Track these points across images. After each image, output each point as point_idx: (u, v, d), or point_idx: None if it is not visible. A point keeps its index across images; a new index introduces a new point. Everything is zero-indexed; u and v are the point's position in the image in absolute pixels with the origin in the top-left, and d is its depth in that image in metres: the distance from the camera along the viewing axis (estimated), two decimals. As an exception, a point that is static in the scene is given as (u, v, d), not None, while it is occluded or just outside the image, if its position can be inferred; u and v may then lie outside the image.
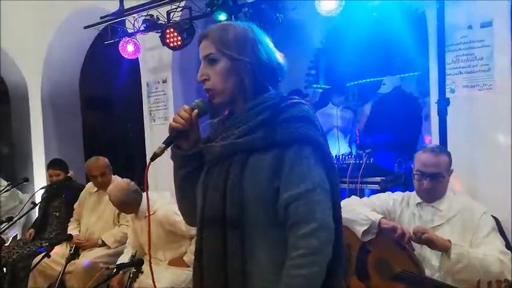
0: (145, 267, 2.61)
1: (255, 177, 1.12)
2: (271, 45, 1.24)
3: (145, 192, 1.31)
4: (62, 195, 3.68)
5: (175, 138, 1.23)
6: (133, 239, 2.99)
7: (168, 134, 1.24)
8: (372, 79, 4.89)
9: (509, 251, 1.82)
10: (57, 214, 3.71)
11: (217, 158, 1.19)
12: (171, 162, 1.30)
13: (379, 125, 4.04)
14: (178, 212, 1.35)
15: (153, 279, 1.32)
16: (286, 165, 1.11)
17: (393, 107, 4.10)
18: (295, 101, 1.19)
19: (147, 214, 2.72)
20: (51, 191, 3.72)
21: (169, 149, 1.25)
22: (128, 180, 2.90)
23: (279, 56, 1.24)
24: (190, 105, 1.25)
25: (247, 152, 1.14)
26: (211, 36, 1.20)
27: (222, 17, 3.25)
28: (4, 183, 4.22)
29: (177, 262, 2.83)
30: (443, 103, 2.54)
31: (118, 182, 2.92)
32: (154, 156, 1.18)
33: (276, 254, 1.11)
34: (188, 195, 1.28)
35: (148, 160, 1.22)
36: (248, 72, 1.17)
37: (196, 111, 1.23)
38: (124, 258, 2.92)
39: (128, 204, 2.81)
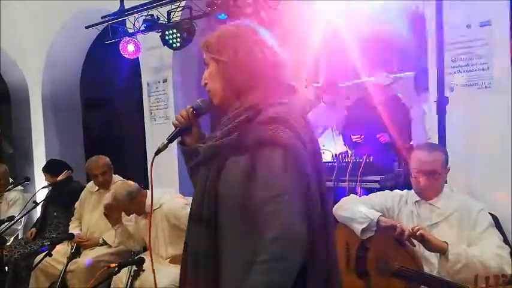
0: (146, 266, 2.63)
1: (230, 179, 1.14)
2: (261, 42, 1.21)
3: (148, 191, 1.36)
4: (60, 198, 3.70)
5: (177, 135, 1.33)
6: (135, 237, 3.01)
7: (168, 132, 1.34)
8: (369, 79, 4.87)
9: (507, 246, 1.83)
10: (56, 214, 3.74)
11: (202, 159, 1.23)
12: (173, 160, 1.35)
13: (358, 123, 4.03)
14: (185, 207, 1.38)
15: (153, 272, 1.33)
16: (258, 169, 1.10)
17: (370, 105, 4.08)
18: (276, 101, 1.17)
19: (153, 209, 2.78)
20: (52, 191, 3.75)
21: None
22: (131, 183, 2.87)
23: (272, 53, 1.21)
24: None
25: (226, 154, 1.16)
26: (203, 42, 1.27)
27: (223, 16, 3.27)
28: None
29: (178, 259, 2.84)
30: (443, 102, 2.55)
31: (120, 186, 2.87)
32: (158, 151, 1.29)
33: (248, 255, 1.11)
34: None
35: (149, 159, 1.28)
36: (228, 72, 1.20)
37: (191, 110, 1.32)
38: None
39: (134, 206, 2.81)
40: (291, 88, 1.25)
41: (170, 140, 1.31)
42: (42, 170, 3.90)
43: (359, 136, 3.82)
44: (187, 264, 1.24)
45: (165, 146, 1.29)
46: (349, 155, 3.11)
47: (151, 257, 1.31)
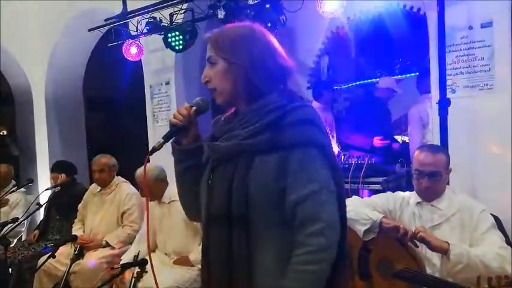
0: (149, 267, 2.64)
1: (260, 178, 1.15)
2: (273, 46, 1.24)
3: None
4: (65, 198, 3.72)
5: (174, 134, 1.28)
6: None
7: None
8: (369, 80, 4.89)
9: (509, 247, 1.84)
10: (59, 216, 3.75)
11: (222, 157, 1.22)
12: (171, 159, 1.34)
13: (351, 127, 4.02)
14: None
15: (153, 271, 1.32)
16: (292, 167, 1.14)
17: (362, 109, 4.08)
18: (301, 104, 1.21)
19: (171, 200, 2.90)
20: (54, 193, 3.76)
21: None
22: (159, 165, 2.96)
23: (282, 58, 1.24)
24: (191, 103, 1.29)
25: (253, 153, 1.16)
26: (211, 39, 1.25)
27: (222, 13, 3.27)
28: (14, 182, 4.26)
29: (182, 261, 2.86)
30: (444, 103, 2.55)
31: (148, 165, 2.98)
32: (153, 150, 1.24)
33: (282, 252, 1.15)
34: (187, 190, 1.32)
35: (151, 161, 1.28)
36: (241, 75, 1.20)
37: (194, 108, 1.28)
38: (132, 255, 2.97)
39: (153, 189, 2.92)
40: (293, 93, 1.27)
41: (166, 139, 1.25)
42: (53, 170, 3.85)
43: (385, 141, 3.73)
44: (212, 268, 1.23)
45: (160, 145, 1.23)
46: (345, 156, 3.13)
47: (149, 256, 1.30)
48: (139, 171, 2.94)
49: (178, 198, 2.88)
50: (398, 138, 4.40)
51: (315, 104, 4.40)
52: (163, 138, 1.25)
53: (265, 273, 1.15)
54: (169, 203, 2.95)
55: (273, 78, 1.22)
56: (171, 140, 1.28)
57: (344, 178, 1.27)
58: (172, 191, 2.98)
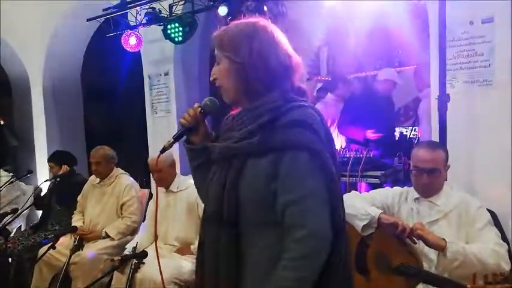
0: (148, 258, 2.67)
1: (252, 181, 1.15)
2: (276, 43, 1.21)
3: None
4: (65, 189, 3.73)
5: (183, 134, 1.33)
6: (152, 218, 3.08)
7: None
8: (371, 72, 4.88)
9: (504, 243, 1.86)
10: (59, 207, 3.77)
11: (218, 158, 1.24)
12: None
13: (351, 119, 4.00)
14: None
15: (159, 263, 1.35)
16: (282, 171, 1.13)
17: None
18: (297, 103, 1.18)
19: (178, 189, 2.98)
20: (54, 183, 3.77)
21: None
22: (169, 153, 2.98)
23: (286, 55, 1.21)
24: (199, 103, 1.33)
25: (245, 155, 1.17)
26: (216, 38, 1.25)
27: (224, 10, 3.27)
28: (3, 173, 4.25)
29: (183, 250, 2.89)
30: (444, 98, 2.55)
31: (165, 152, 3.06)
32: (164, 150, 1.31)
33: (272, 253, 1.15)
34: (199, 187, 1.36)
35: (150, 152, 1.33)
36: (242, 73, 1.19)
37: (199, 109, 1.31)
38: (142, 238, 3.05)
39: (165, 175, 2.97)
40: (302, 91, 1.26)
41: (176, 139, 1.31)
42: (51, 160, 3.84)
43: (379, 134, 3.65)
44: (205, 264, 1.25)
45: (170, 145, 1.30)
46: (348, 150, 3.13)
47: (155, 243, 1.33)
48: (153, 157, 2.98)
49: (185, 188, 2.93)
50: (398, 130, 4.41)
51: (330, 97, 4.38)
52: (173, 137, 1.31)
53: (256, 273, 1.17)
54: (176, 192, 3.01)
55: (275, 77, 1.19)
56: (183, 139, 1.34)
57: (340, 181, 1.23)
58: (180, 181, 3.04)
